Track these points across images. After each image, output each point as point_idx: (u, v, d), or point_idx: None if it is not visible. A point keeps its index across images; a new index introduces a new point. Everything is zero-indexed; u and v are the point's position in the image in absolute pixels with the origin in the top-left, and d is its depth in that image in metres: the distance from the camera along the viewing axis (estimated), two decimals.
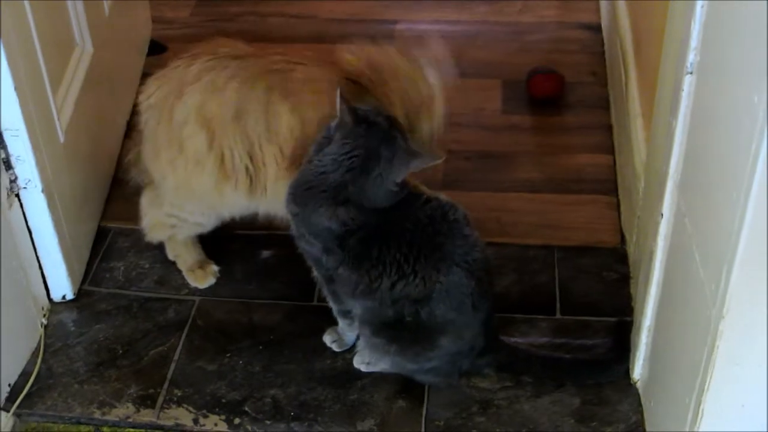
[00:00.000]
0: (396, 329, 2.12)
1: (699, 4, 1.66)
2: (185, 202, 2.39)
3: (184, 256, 2.56)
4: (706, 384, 1.66)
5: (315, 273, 2.22)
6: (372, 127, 2.01)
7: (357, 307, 2.16)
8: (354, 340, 2.33)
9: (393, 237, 2.04)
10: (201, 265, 2.55)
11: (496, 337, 2.24)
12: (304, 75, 2.20)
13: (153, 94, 2.31)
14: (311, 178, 2.04)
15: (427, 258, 2.04)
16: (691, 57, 1.71)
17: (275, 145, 2.21)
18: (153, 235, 2.54)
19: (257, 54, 2.27)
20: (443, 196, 2.12)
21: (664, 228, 1.95)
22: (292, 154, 2.20)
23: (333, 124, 2.03)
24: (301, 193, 2.07)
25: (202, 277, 2.54)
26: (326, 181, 2.02)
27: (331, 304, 2.25)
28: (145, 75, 3.15)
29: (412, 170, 2.03)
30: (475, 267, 2.08)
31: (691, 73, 1.73)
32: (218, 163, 2.24)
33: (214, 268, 2.56)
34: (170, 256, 2.58)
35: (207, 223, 2.46)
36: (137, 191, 2.70)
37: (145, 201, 2.52)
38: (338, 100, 1.98)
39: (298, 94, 2.19)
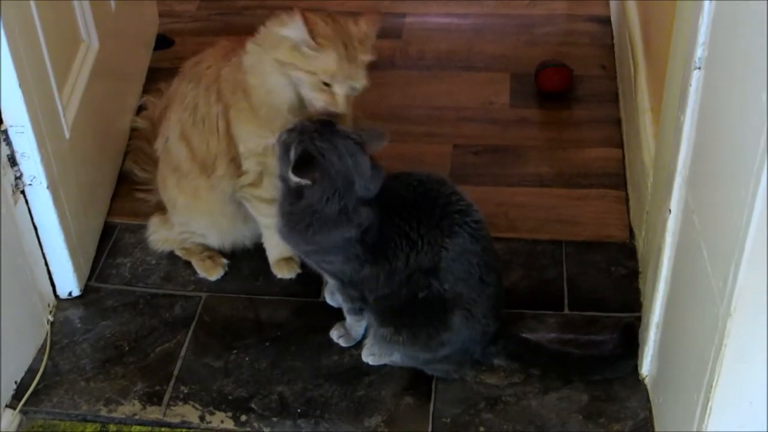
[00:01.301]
0: (406, 314, 2.13)
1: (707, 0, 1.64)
2: (192, 219, 2.48)
3: (194, 249, 2.57)
4: (714, 381, 1.65)
5: (330, 282, 2.26)
6: (328, 157, 2.00)
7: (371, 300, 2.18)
8: (362, 335, 2.32)
9: (396, 209, 2.07)
10: (210, 256, 2.55)
11: (507, 324, 2.24)
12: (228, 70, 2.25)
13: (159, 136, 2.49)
14: (309, 221, 2.06)
15: (429, 218, 2.07)
16: (699, 52, 1.70)
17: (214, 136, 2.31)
18: (163, 247, 2.60)
19: (207, 57, 2.34)
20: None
21: (672, 224, 1.94)
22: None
23: (294, 181, 2.01)
24: (309, 237, 2.09)
25: (212, 268, 2.54)
26: (325, 214, 2.04)
27: (344, 303, 2.26)
28: (152, 69, 3.19)
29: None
30: (478, 229, 2.10)
31: (699, 68, 1.72)
32: (203, 164, 2.35)
33: (224, 260, 2.56)
34: (178, 252, 2.58)
35: (210, 237, 2.53)
36: (144, 186, 2.71)
37: (155, 222, 2.59)
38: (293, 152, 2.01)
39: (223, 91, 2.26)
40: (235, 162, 2.30)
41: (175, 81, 2.38)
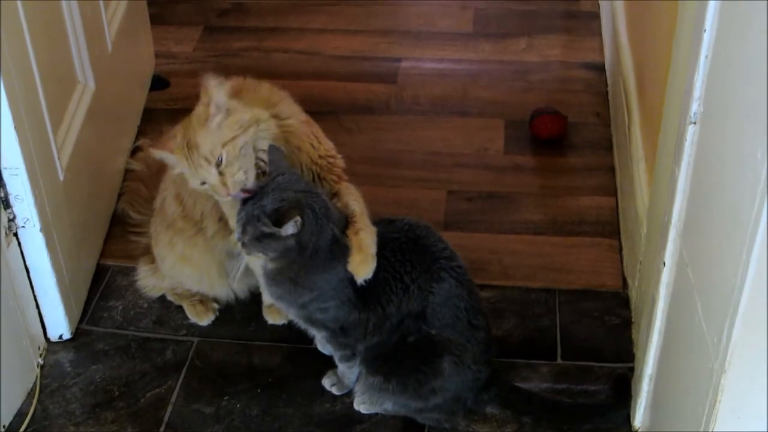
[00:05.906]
0: (395, 361, 2.13)
1: (702, 56, 1.64)
2: (181, 276, 2.47)
3: (185, 293, 2.55)
4: None
5: (319, 335, 2.23)
6: (288, 197, 1.98)
7: (361, 349, 2.17)
8: (354, 382, 2.31)
9: (390, 252, 2.07)
10: (201, 301, 2.54)
11: (499, 371, 2.24)
12: None
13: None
14: (311, 264, 2.03)
15: (421, 263, 2.08)
16: (695, 107, 1.70)
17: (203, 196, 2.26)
18: (152, 293, 2.59)
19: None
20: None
21: (666, 276, 1.93)
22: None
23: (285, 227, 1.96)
24: (304, 278, 2.06)
25: (203, 313, 2.53)
26: (321, 246, 2.01)
27: (335, 352, 2.24)
28: (148, 110, 3.19)
29: None
30: (462, 274, 2.11)
31: (694, 123, 1.72)
32: (196, 223, 2.34)
33: (215, 305, 2.55)
34: (170, 297, 2.57)
35: (202, 290, 2.51)
36: (138, 229, 2.70)
37: (144, 270, 2.58)
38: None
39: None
40: (224, 220, 2.29)
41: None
